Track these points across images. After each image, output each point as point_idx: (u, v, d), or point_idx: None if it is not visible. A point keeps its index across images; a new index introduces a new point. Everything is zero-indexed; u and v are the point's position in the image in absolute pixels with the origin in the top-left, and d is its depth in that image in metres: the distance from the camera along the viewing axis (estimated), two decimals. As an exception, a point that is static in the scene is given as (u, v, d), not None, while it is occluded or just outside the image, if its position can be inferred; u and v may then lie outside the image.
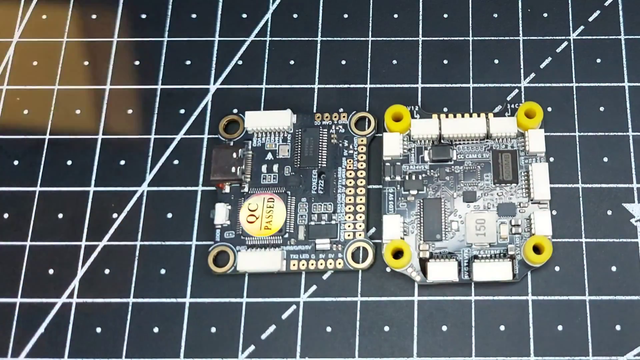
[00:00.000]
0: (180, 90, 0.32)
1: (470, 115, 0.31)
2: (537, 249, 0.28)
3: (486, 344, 0.28)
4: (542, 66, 0.32)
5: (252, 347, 0.29)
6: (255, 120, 0.31)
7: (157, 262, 0.30)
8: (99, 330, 0.29)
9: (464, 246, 0.29)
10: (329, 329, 0.29)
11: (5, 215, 0.31)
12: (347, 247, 0.29)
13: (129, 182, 0.31)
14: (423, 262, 0.29)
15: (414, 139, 0.30)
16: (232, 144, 0.31)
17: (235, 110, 0.32)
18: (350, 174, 0.30)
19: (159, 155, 0.31)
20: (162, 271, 0.30)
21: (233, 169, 0.30)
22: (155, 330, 0.29)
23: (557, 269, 0.29)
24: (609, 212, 0.30)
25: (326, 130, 0.31)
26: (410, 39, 0.33)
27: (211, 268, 0.29)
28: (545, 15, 0.33)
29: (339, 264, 0.29)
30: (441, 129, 0.30)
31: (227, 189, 0.30)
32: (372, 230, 0.30)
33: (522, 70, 0.32)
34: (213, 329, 0.29)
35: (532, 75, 0.32)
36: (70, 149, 0.31)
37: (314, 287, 0.29)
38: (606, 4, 0.33)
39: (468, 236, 0.29)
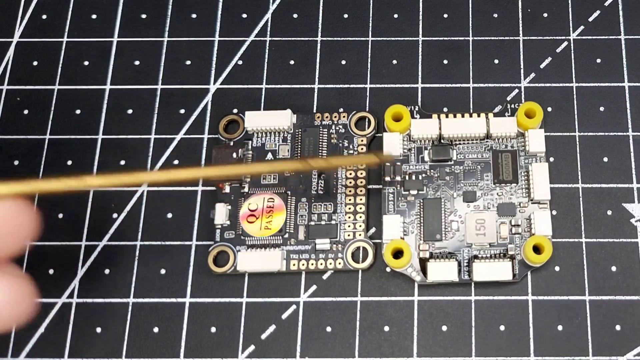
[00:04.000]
0: (180, 90, 0.32)
1: (470, 115, 0.30)
2: (537, 249, 0.28)
3: (486, 344, 0.28)
4: (542, 66, 0.32)
5: (252, 347, 0.29)
6: (255, 120, 0.31)
7: (157, 262, 0.30)
8: (99, 330, 0.29)
9: (464, 246, 0.29)
10: (329, 329, 0.29)
11: (5, 215, 0.31)
12: (347, 247, 0.29)
13: (129, 182, 0.31)
14: (423, 262, 0.29)
15: (414, 139, 0.30)
16: (232, 144, 0.31)
17: (235, 110, 0.32)
18: (350, 174, 0.30)
19: (159, 155, 0.31)
20: (162, 271, 0.30)
21: (233, 169, 0.30)
22: (155, 330, 0.29)
23: (557, 269, 0.29)
24: (609, 212, 0.30)
25: (326, 130, 0.31)
26: (410, 39, 0.33)
27: (211, 268, 0.29)
28: (545, 15, 0.33)
29: (339, 264, 0.29)
30: (441, 129, 0.30)
31: (227, 189, 0.30)
32: (372, 230, 0.30)
33: (522, 70, 0.32)
34: (213, 329, 0.29)
35: (532, 75, 0.32)
36: (70, 149, 0.31)
37: (314, 287, 0.29)
38: (606, 4, 0.33)
39: (468, 236, 0.29)
